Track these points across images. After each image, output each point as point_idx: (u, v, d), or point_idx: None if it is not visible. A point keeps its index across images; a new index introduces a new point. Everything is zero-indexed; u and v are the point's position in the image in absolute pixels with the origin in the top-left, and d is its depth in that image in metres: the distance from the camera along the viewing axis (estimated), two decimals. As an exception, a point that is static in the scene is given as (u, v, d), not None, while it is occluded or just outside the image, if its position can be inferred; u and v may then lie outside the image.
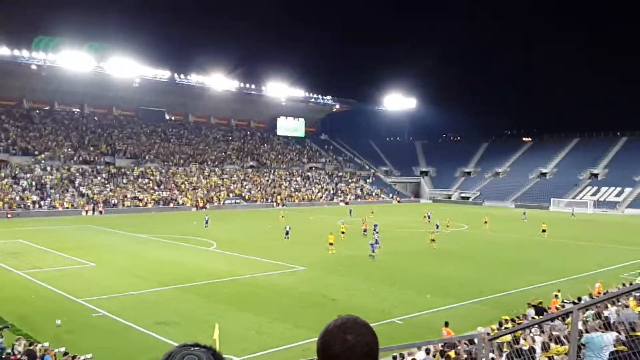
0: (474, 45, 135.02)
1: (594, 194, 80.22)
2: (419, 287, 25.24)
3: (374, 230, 41.20)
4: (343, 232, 40.88)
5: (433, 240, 37.29)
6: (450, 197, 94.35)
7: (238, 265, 29.34)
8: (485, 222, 51.98)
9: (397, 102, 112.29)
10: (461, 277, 27.86)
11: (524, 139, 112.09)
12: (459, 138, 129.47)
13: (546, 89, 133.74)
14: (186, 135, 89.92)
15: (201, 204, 68.12)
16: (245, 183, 79.59)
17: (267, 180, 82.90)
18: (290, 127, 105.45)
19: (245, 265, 29.30)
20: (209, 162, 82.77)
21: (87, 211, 58.48)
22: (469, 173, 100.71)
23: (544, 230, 44.65)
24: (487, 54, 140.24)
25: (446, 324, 16.68)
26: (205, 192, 72.37)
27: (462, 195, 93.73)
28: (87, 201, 60.83)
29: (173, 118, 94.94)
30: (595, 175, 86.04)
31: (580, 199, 79.37)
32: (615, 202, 76.95)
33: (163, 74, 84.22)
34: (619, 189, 78.96)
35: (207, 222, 47.15)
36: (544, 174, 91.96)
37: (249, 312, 20.06)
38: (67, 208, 58.26)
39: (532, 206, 77.33)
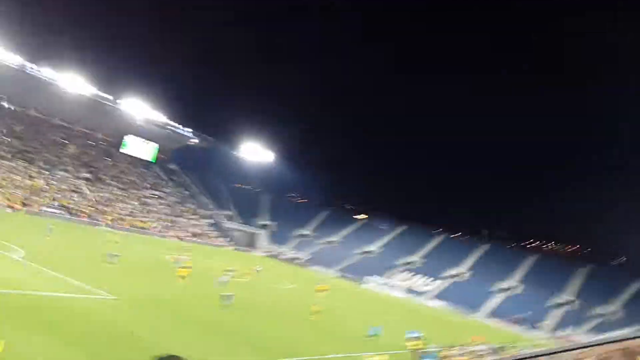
0: (337, 115, 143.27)
1: (406, 280, 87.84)
2: (233, 340, 25.31)
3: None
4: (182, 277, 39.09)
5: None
6: (281, 254, 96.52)
7: (41, 280, 26.94)
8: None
9: (255, 151, 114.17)
10: (272, 334, 28.59)
11: (359, 215, 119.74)
12: (305, 200, 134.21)
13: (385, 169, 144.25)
14: (20, 128, 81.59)
15: (17, 206, 61.44)
16: (74, 194, 73.73)
17: (100, 197, 77.71)
18: (140, 148, 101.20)
19: (49, 282, 27.01)
20: (39, 163, 75.59)
21: None
22: (306, 235, 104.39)
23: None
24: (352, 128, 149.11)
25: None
26: (27, 194, 65.57)
27: (294, 255, 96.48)
28: None
29: (12, 108, 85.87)
30: (409, 263, 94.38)
31: (390, 281, 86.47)
32: (424, 292, 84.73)
33: (14, 59, 76.90)
34: (431, 278, 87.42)
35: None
36: (368, 252, 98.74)
37: (39, 333, 18.45)
38: None
39: (348, 277, 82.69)
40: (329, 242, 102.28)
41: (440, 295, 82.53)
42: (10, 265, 29.85)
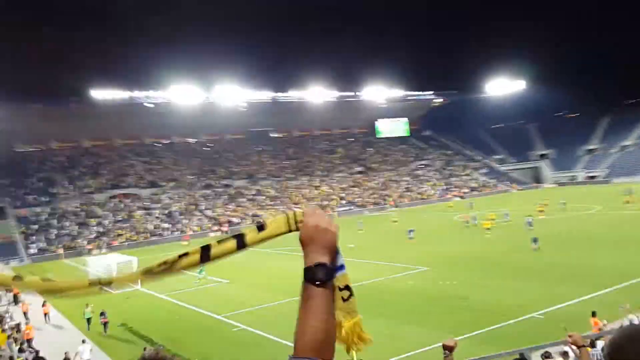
0: (577, 14, 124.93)
1: None
2: (554, 278, 23.75)
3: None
4: (488, 229, 39.53)
5: (488, 228, 38.89)
6: (574, 179, 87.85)
7: (361, 271, 29.39)
8: (627, 202, 47.62)
9: (502, 86, 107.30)
10: (598, 263, 25.82)
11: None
12: (576, 114, 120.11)
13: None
14: (292, 150, 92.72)
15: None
16: (355, 189, 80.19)
17: (377, 184, 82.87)
18: (392, 128, 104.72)
19: (367, 270, 29.36)
20: (318, 173, 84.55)
21: (214, 231, 62.10)
22: (592, 150, 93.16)
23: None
24: (594, 19, 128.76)
25: (593, 314, 15.56)
26: (319, 201, 73.93)
27: (589, 174, 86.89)
28: (213, 223, 64.72)
29: (279, 135, 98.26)
30: None
31: None
32: None
33: (265, 95, 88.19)
34: None
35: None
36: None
37: (377, 317, 19.91)
38: (196, 231, 62.15)
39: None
40: (624, 148, 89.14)
41: None
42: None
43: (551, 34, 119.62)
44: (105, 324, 22.34)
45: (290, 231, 1.53)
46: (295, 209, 1.56)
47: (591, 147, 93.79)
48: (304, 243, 1.49)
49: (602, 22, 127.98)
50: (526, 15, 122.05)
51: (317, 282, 1.42)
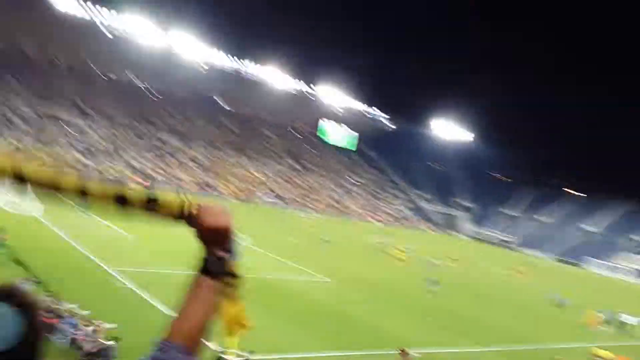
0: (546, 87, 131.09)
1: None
2: (440, 322, 24.76)
3: None
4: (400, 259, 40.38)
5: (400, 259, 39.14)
6: (488, 238, 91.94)
7: (266, 265, 29.34)
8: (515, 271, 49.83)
9: (452, 131, 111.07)
10: (486, 320, 27.20)
11: (573, 192, 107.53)
12: (509, 178, 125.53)
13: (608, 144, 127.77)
14: (239, 126, 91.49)
15: (242, 196, 68.78)
16: (287, 184, 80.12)
17: (308, 186, 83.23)
18: (340, 136, 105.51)
19: (272, 266, 29.43)
20: (254, 156, 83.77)
21: (134, 181, 60.19)
22: (514, 216, 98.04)
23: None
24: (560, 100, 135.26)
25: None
26: (247, 184, 73.20)
27: (503, 238, 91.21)
28: (135, 174, 62.67)
29: (230, 108, 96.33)
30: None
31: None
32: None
33: (225, 60, 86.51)
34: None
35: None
36: (590, 232, 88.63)
37: (265, 312, 19.87)
38: (112, 177, 59.77)
39: (570, 262, 75.07)
40: (541, 223, 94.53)
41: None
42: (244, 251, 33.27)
43: (510, 96, 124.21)
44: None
45: (179, 219, 1.43)
46: (187, 198, 1.44)
47: (513, 213, 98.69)
48: (201, 241, 1.45)
49: (558, 97, 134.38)
50: (492, 71, 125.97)
51: (209, 274, 1.42)
